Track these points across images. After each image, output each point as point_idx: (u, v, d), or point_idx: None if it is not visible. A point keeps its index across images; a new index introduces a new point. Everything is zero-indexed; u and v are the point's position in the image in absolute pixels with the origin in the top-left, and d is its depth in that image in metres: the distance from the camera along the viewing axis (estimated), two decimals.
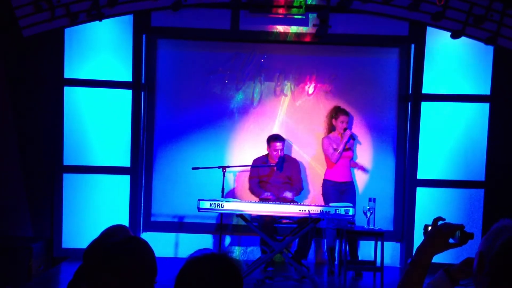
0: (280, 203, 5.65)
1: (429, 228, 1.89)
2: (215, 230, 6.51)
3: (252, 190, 6.26)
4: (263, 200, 5.95)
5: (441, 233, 1.83)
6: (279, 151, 6.11)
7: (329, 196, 6.17)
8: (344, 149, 6.19)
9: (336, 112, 6.30)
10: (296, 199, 6.28)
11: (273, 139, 6.17)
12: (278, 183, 6.22)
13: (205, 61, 6.67)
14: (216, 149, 6.68)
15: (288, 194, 6.07)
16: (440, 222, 1.88)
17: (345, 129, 6.14)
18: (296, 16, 6.33)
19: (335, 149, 6.13)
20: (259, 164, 6.24)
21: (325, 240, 6.30)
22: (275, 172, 6.19)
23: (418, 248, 1.85)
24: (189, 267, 1.64)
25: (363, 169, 6.58)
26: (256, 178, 6.28)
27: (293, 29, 6.42)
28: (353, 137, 6.19)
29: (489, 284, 1.58)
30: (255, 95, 6.70)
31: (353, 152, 6.43)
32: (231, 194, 6.61)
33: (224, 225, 6.23)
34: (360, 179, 6.64)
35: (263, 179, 6.25)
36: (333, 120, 6.30)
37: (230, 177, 6.65)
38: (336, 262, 6.13)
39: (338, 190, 6.19)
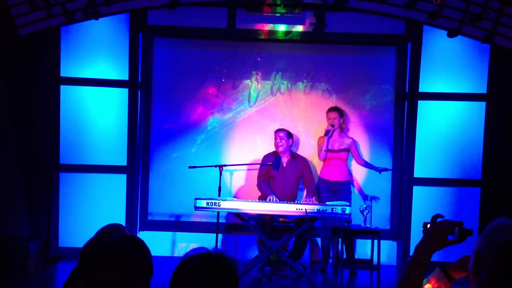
0: (277, 202, 5.65)
1: (428, 225, 1.88)
2: (212, 229, 6.49)
3: (259, 188, 6.20)
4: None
5: (440, 230, 1.82)
6: (280, 140, 6.11)
7: (321, 194, 6.22)
8: (340, 150, 6.20)
9: (327, 110, 6.34)
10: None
11: (276, 130, 6.23)
12: (285, 183, 6.20)
13: (201, 60, 6.66)
14: (213, 147, 6.68)
15: (309, 201, 5.79)
16: (439, 219, 1.87)
17: (329, 126, 6.19)
18: (292, 15, 6.33)
19: (321, 148, 6.20)
20: (267, 160, 6.21)
21: (319, 238, 6.31)
22: (283, 171, 6.16)
23: (417, 246, 1.83)
24: (184, 266, 1.64)
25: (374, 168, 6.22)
26: (264, 176, 6.21)
27: (290, 27, 6.41)
28: (325, 134, 6.15)
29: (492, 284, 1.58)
30: (252, 94, 6.70)
31: (359, 154, 6.34)
32: (228, 193, 6.60)
33: (221, 223, 6.22)
34: (357, 178, 6.65)
35: (271, 176, 6.22)
36: (326, 119, 6.33)
37: (227, 176, 6.64)
38: (330, 261, 6.14)
39: (330, 188, 6.23)
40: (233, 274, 1.64)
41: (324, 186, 6.24)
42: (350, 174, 6.44)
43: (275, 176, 6.18)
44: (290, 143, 6.21)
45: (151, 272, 1.76)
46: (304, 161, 6.32)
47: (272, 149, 6.29)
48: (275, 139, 6.17)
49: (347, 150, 6.28)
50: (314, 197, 6.00)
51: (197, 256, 1.64)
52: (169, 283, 1.64)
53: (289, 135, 6.21)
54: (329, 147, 6.20)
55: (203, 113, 6.68)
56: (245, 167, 6.56)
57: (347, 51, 6.66)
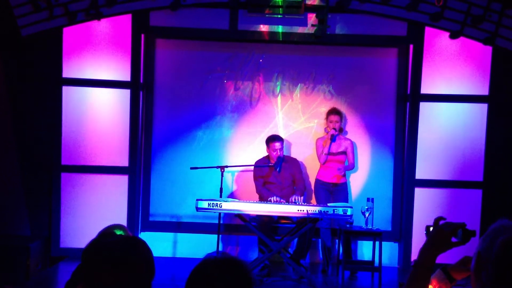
0: (278, 203, 5.65)
1: (431, 228, 1.88)
2: (213, 230, 6.50)
3: (260, 192, 6.16)
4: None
5: (443, 232, 1.82)
6: (279, 151, 6.08)
7: (318, 195, 6.23)
8: (338, 152, 6.20)
9: (327, 113, 6.32)
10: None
11: (272, 139, 6.15)
12: (282, 184, 6.19)
13: (203, 61, 6.67)
14: (215, 149, 6.68)
15: (298, 199, 5.90)
16: (441, 222, 1.87)
17: (330, 129, 6.16)
18: (294, 16, 6.33)
19: (322, 151, 6.17)
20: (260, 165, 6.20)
21: (320, 239, 6.31)
22: (278, 173, 6.15)
23: (421, 250, 1.83)
24: (204, 267, 1.64)
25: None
26: (261, 178, 6.20)
27: (292, 29, 6.42)
28: (331, 138, 6.14)
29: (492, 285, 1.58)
30: (254, 95, 6.70)
31: (354, 157, 6.32)
32: (229, 194, 6.61)
33: (222, 224, 6.22)
34: (359, 179, 6.64)
35: (267, 180, 6.21)
36: (325, 121, 6.32)
37: (228, 177, 6.64)
38: (331, 262, 6.14)
39: (327, 190, 6.23)
40: (249, 280, 1.65)
41: (322, 188, 6.23)
42: (347, 176, 6.42)
43: (271, 180, 6.16)
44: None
45: (152, 273, 1.76)
46: (294, 162, 6.32)
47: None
48: (272, 149, 6.06)
49: (345, 152, 6.27)
50: (301, 197, 6.00)
51: (215, 260, 1.65)
52: (186, 283, 1.64)
53: (283, 142, 6.19)
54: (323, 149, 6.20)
55: (205, 114, 6.68)
56: (246, 168, 6.55)
57: (348, 52, 6.66)
